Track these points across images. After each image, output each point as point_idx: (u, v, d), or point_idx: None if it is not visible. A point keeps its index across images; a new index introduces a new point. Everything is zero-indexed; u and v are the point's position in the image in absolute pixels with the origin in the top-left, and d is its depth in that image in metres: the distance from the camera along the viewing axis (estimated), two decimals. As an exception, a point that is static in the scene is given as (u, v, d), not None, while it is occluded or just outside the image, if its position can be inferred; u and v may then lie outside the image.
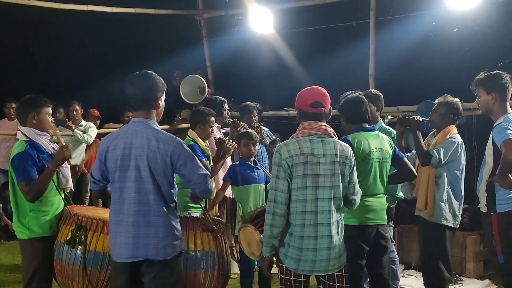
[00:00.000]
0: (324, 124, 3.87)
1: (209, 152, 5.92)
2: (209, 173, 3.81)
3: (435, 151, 5.05)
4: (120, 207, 3.72)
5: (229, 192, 6.11)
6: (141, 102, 3.78)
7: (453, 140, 5.15)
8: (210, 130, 5.82)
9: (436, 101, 5.41)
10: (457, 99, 5.32)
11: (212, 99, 6.99)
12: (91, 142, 8.78)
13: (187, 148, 3.76)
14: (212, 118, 5.88)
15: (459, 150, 5.16)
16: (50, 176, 4.44)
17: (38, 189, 4.35)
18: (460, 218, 5.28)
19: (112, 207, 3.81)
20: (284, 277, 3.82)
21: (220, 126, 6.78)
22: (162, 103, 3.87)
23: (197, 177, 3.73)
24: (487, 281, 6.66)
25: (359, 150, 4.43)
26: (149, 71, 3.85)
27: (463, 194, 5.29)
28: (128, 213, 3.68)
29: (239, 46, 9.82)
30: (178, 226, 3.81)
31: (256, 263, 5.56)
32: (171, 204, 3.77)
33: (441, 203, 5.15)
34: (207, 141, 5.92)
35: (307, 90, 3.95)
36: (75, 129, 8.66)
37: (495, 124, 4.69)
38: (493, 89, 4.70)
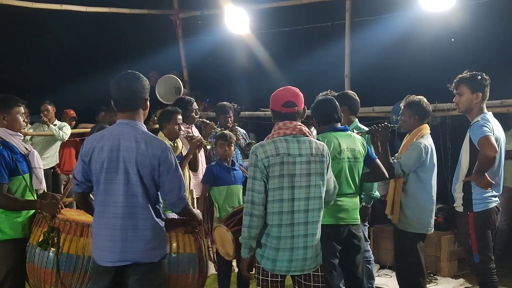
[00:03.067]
0: (299, 123, 3.86)
1: (182, 151, 5.90)
2: (184, 187, 3.73)
3: (397, 164, 5.02)
4: (104, 209, 3.64)
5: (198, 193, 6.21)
6: (128, 103, 3.68)
7: (416, 146, 5.04)
8: (177, 127, 5.78)
9: (401, 105, 5.40)
10: (419, 97, 5.24)
11: (180, 98, 6.96)
12: (66, 139, 8.72)
13: (174, 157, 3.68)
14: (179, 116, 5.83)
15: (424, 155, 5.04)
16: (27, 208, 4.46)
17: (6, 205, 4.35)
18: (433, 223, 5.19)
19: (96, 209, 3.72)
20: (261, 277, 3.81)
21: (189, 126, 6.70)
22: (148, 103, 3.79)
23: (172, 188, 3.66)
24: (461, 280, 6.71)
25: (329, 150, 4.40)
26: (136, 72, 3.75)
27: (435, 198, 5.22)
28: (115, 216, 3.60)
29: (215, 46, 9.78)
30: (164, 228, 3.77)
31: (234, 264, 5.55)
32: (157, 206, 3.72)
33: (406, 210, 5.10)
34: (178, 141, 5.89)
35: (280, 90, 3.94)
36: (51, 125, 8.59)
37: (472, 123, 4.74)
38: (478, 89, 4.76)
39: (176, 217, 4.52)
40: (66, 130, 8.76)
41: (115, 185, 3.60)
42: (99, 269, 3.71)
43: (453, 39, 7.64)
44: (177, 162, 3.72)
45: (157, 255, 3.68)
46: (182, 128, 5.96)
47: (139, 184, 3.59)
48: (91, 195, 3.86)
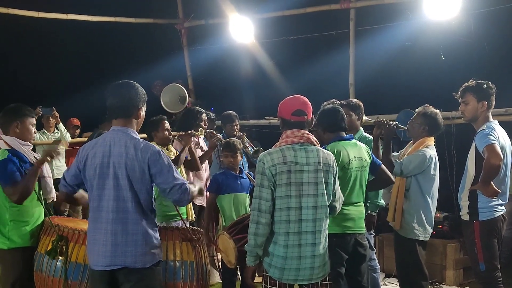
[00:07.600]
0: (307, 132, 3.89)
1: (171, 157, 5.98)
2: (186, 183, 3.74)
3: (398, 163, 5.06)
4: (98, 215, 3.70)
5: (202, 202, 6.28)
6: (121, 110, 3.76)
7: (421, 153, 5.08)
8: (167, 133, 5.85)
9: (416, 110, 5.42)
10: (436, 111, 5.27)
11: (190, 109, 7.05)
12: (68, 140, 8.79)
13: (165, 158, 3.73)
14: (166, 122, 5.91)
15: (428, 163, 5.08)
16: (35, 175, 4.45)
17: (24, 189, 4.35)
18: (430, 230, 5.22)
19: (90, 215, 3.79)
20: (268, 286, 3.81)
21: (197, 136, 6.77)
22: (142, 113, 3.86)
23: (172, 186, 3.69)
24: (467, 289, 6.71)
25: (339, 160, 4.44)
26: (132, 81, 3.85)
27: (435, 206, 5.25)
28: (107, 221, 3.66)
29: (219, 55, 9.81)
30: (157, 235, 3.79)
31: (238, 273, 5.55)
32: (149, 212, 3.75)
33: (408, 216, 5.12)
34: (171, 147, 5.98)
35: (289, 99, 3.97)
36: (60, 125, 8.72)
37: (477, 131, 4.75)
38: (484, 98, 4.78)
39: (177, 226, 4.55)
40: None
41: (106, 190, 3.67)
42: (94, 275, 3.78)
43: (442, 56, 7.67)
44: (171, 161, 3.76)
45: (148, 261, 3.70)
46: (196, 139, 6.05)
47: (128, 189, 3.65)
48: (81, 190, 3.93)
